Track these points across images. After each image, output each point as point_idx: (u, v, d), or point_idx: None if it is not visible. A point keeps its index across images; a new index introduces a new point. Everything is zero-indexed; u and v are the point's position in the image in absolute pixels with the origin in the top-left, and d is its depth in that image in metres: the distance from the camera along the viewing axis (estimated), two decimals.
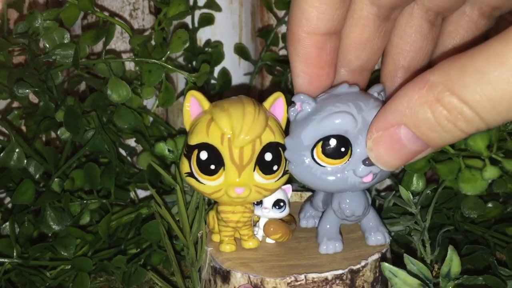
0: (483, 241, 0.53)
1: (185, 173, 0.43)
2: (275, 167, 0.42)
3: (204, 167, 0.42)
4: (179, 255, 0.52)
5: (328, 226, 0.44)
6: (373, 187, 0.53)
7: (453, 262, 0.41)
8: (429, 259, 0.49)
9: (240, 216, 0.44)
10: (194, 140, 0.42)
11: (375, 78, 0.62)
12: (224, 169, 0.41)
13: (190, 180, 0.43)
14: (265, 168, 0.42)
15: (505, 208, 0.54)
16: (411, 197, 0.49)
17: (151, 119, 0.62)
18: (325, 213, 0.45)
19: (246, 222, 0.44)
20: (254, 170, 0.42)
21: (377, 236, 0.44)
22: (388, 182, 0.63)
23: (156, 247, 0.53)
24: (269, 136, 0.42)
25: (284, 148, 0.42)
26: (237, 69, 0.68)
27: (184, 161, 0.43)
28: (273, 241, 0.46)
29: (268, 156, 0.42)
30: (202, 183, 0.42)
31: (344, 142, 0.41)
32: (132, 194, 0.58)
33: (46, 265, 0.52)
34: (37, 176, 0.54)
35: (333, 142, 0.41)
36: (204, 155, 0.41)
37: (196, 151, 0.42)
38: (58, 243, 0.51)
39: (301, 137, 0.42)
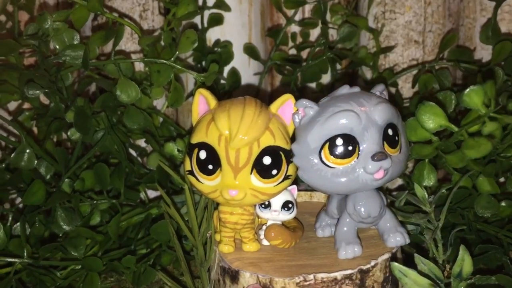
0: (496, 241, 0.52)
1: (187, 171, 0.43)
2: (274, 171, 0.41)
3: (203, 166, 0.42)
4: (189, 255, 0.52)
5: (345, 230, 0.44)
6: (384, 186, 0.53)
7: (465, 262, 0.41)
8: (441, 259, 0.48)
9: (238, 218, 0.43)
10: (194, 139, 0.42)
11: (377, 77, 0.62)
12: (221, 170, 0.41)
13: (191, 178, 0.43)
14: (263, 171, 0.41)
15: None
16: (426, 195, 0.48)
17: (161, 119, 0.62)
18: (341, 218, 0.44)
19: (246, 225, 0.44)
20: (251, 173, 0.41)
21: (397, 237, 0.44)
22: (399, 181, 0.63)
23: (166, 247, 0.53)
24: (269, 140, 0.41)
25: (286, 152, 0.42)
26: (247, 69, 0.68)
27: (186, 159, 0.43)
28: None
29: (267, 160, 0.41)
30: (201, 182, 0.42)
31: (351, 140, 0.41)
32: (142, 195, 0.59)
33: (57, 265, 0.52)
34: (48, 177, 0.55)
35: (339, 142, 0.41)
36: (203, 154, 0.41)
37: (196, 150, 0.42)
38: (68, 243, 0.51)
39: (308, 141, 0.41)
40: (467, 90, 0.41)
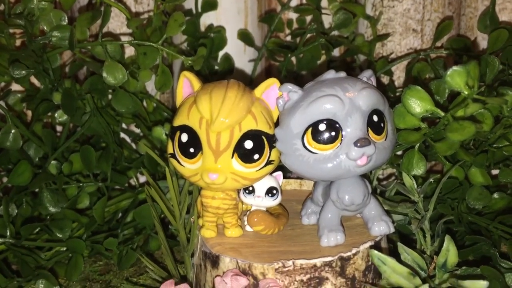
0: (486, 233, 0.51)
1: (169, 154, 0.42)
2: (256, 156, 0.41)
3: (184, 149, 0.41)
4: (176, 241, 0.52)
5: (328, 218, 0.43)
6: (374, 176, 0.52)
7: (449, 253, 0.40)
8: (429, 249, 0.47)
9: (220, 202, 0.43)
10: (177, 122, 0.42)
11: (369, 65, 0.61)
12: (202, 153, 0.41)
13: (173, 161, 0.42)
14: (244, 156, 0.41)
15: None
16: (415, 184, 0.47)
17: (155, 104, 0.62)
18: (325, 205, 0.43)
19: (228, 210, 0.43)
20: (232, 157, 0.41)
21: (381, 226, 0.43)
22: (390, 170, 0.62)
23: (151, 231, 0.53)
24: (251, 124, 0.41)
25: (269, 137, 0.41)
26: (242, 55, 0.67)
27: (169, 142, 0.43)
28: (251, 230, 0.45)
29: (248, 144, 0.41)
30: (182, 165, 0.42)
31: (334, 126, 0.40)
32: (134, 180, 0.58)
33: (41, 246, 0.52)
34: (37, 159, 0.55)
35: (322, 127, 0.40)
36: (184, 137, 0.41)
37: (178, 133, 0.41)
38: (54, 225, 0.51)
39: (290, 126, 0.41)
40: (450, 70, 0.40)
